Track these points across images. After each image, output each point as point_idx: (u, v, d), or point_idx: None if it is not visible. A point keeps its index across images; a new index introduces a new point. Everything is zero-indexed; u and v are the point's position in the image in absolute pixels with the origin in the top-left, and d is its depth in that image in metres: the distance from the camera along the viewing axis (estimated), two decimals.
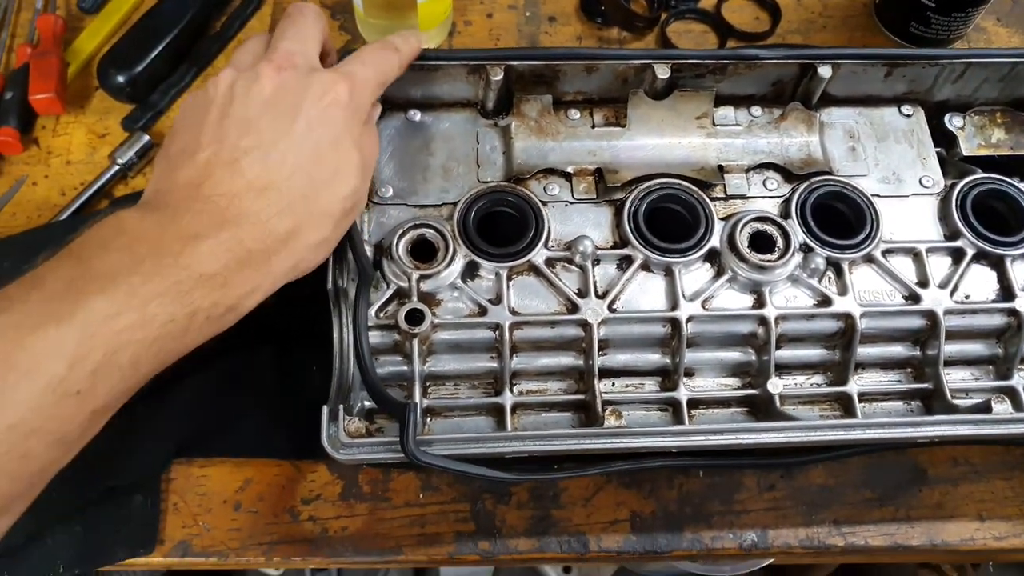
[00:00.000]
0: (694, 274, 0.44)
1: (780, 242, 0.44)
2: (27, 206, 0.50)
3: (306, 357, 0.46)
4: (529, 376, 0.43)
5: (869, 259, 0.45)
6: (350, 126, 0.37)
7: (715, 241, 0.44)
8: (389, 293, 0.42)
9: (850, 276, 0.44)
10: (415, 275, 0.41)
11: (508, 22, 0.58)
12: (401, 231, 0.43)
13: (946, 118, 0.49)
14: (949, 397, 0.42)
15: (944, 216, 0.47)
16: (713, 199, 0.46)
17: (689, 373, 0.44)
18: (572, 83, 0.47)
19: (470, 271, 0.43)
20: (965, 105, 0.50)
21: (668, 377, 0.44)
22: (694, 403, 0.43)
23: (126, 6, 0.55)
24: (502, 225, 0.45)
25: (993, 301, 0.44)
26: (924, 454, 0.45)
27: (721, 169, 0.47)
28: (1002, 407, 0.40)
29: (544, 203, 0.45)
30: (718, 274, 0.44)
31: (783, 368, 0.44)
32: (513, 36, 0.57)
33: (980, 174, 0.47)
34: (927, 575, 0.93)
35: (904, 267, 0.45)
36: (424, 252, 0.43)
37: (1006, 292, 0.45)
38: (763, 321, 0.43)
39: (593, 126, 0.48)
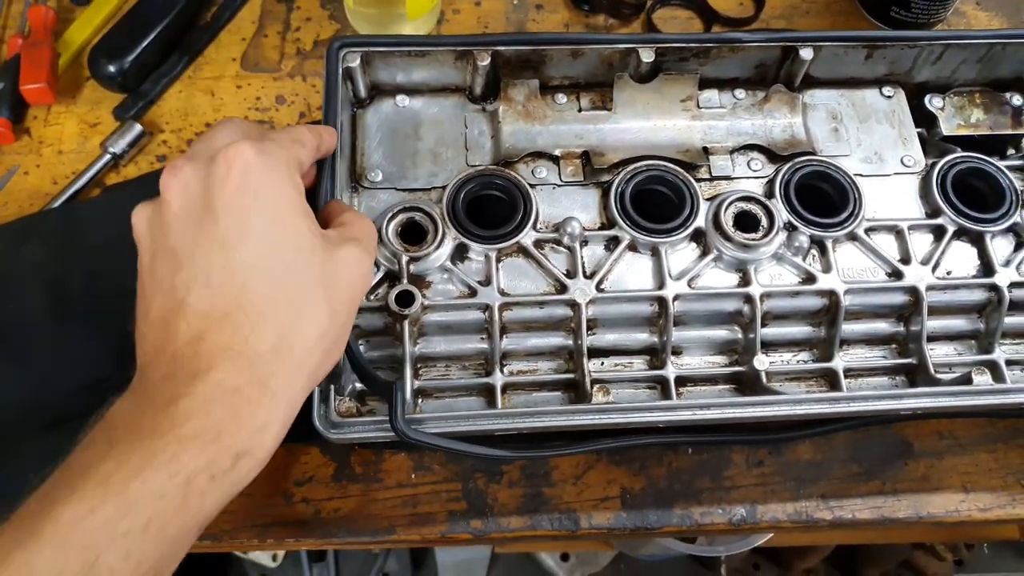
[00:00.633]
0: (680, 254, 0.45)
1: (764, 221, 0.45)
2: (19, 195, 0.50)
3: None
4: (519, 356, 0.44)
5: (852, 237, 0.46)
6: (276, 181, 0.32)
7: (700, 221, 0.45)
8: (379, 276, 0.42)
9: (834, 254, 0.45)
10: (405, 257, 0.42)
11: (496, 10, 0.58)
12: (391, 214, 0.43)
13: (927, 99, 0.50)
14: (932, 371, 0.43)
15: (925, 194, 0.47)
16: (698, 180, 0.46)
17: (677, 351, 0.45)
18: (558, 68, 0.48)
19: (459, 253, 0.44)
20: (945, 86, 0.51)
21: (656, 356, 0.44)
22: (682, 381, 0.44)
23: None
24: (491, 208, 0.45)
25: (974, 277, 0.45)
26: (909, 428, 0.46)
27: (706, 151, 0.48)
28: (982, 379, 0.41)
29: (532, 186, 0.45)
30: (704, 253, 0.45)
31: (770, 345, 0.45)
32: (501, 23, 0.57)
33: (960, 153, 0.48)
34: (921, 556, 0.94)
35: (887, 244, 0.46)
36: (414, 235, 0.43)
37: (986, 268, 0.45)
38: (748, 299, 0.43)
39: (580, 110, 0.48)
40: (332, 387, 0.38)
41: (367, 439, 0.38)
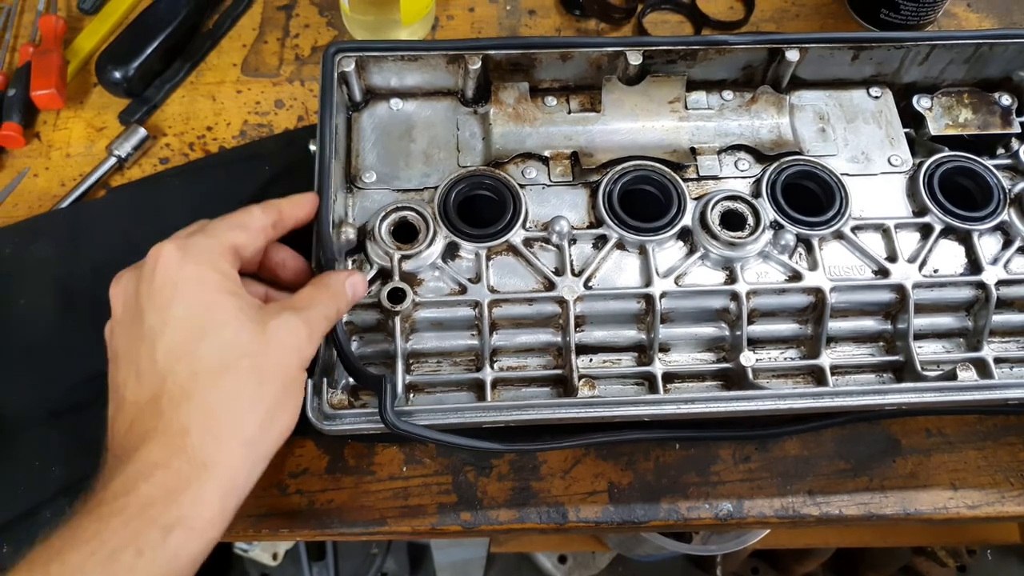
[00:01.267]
0: (667, 252, 0.46)
1: (751, 220, 0.45)
2: (28, 197, 0.52)
3: None
4: (509, 353, 0.45)
5: (839, 235, 0.46)
6: (197, 268, 0.33)
7: (687, 220, 0.45)
8: (372, 273, 0.44)
9: (820, 252, 0.45)
10: (397, 255, 0.43)
11: (489, 16, 0.59)
12: (383, 213, 0.44)
13: (914, 99, 0.51)
14: (919, 368, 0.43)
15: (912, 193, 0.48)
16: (686, 180, 0.47)
17: (665, 348, 0.45)
18: (548, 71, 0.49)
19: (451, 251, 0.45)
20: (933, 87, 0.51)
21: (644, 352, 0.45)
22: (669, 377, 0.45)
23: (124, 6, 0.58)
24: (481, 207, 0.47)
25: (961, 274, 0.45)
26: (898, 425, 0.46)
27: (693, 151, 0.48)
28: (967, 375, 0.41)
29: (522, 186, 0.46)
30: (691, 251, 0.45)
31: (757, 343, 0.45)
32: (494, 29, 0.59)
33: (947, 152, 0.48)
34: (922, 562, 0.93)
35: (873, 243, 0.46)
36: (406, 234, 0.44)
37: (974, 266, 0.46)
38: (735, 296, 0.44)
39: (569, 112, 0.49)
40: (325, 380, 0.39)
41: (359, 431, 0.39)
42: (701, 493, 0.44)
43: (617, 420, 0.40)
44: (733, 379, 0.45)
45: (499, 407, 0.40)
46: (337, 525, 0.43)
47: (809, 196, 0.47)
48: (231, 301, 0.33)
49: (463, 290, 0.43)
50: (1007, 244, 0.46)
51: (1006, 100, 0.51)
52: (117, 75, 0.53)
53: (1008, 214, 0.46)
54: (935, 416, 0.46)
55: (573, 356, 0.43)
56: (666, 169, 0.47)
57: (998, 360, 0.45)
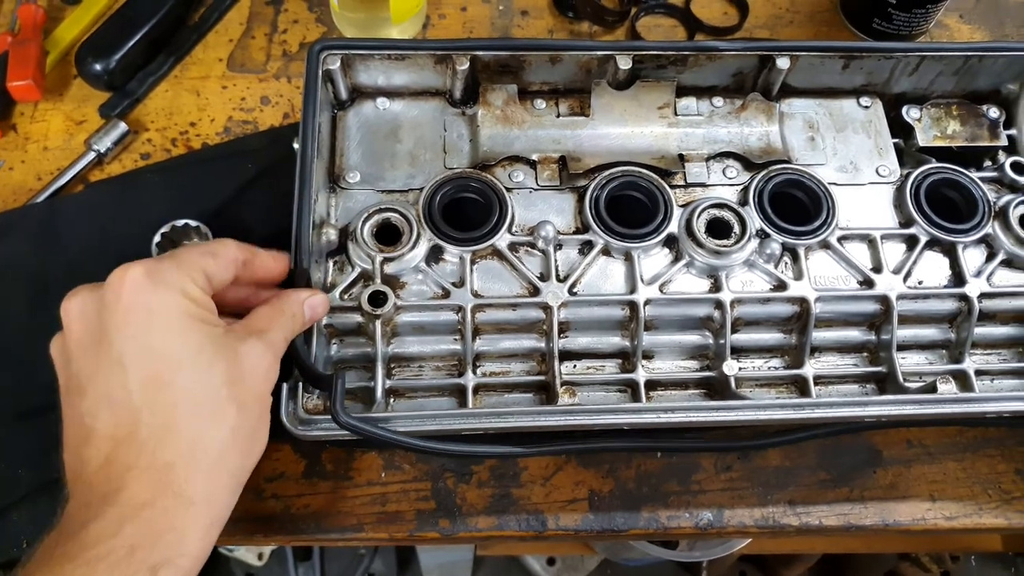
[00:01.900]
0: (653, 259, 0.45)
1: (737, 228, 0.45)
2: (3, 191, 0.50)
3: None
4: (492, 358, 0.44)
5: (825, 245, 0.46)
6: (167, 294, 0.32)
7: (673, 227, 0.45)
8: (354, 275, 0.43)
9: (806, 261, 0.45)
10: (379, 258, 0.42)
11: (482, 16, 0.59)
12: (366, 215, 0.44)
13: (904, 110, 0.51)
14: (901, 380, 0.43)
15: (899, 204, 0.48)
16: (673, 187, 0.47)
17: (649, 356, 0.45)
18: (537, 73, 0.49)
19: (434, 255, 0.44)
20: (922, 98, 0.51)
21: (627, 359, 0.45)
22: (652, 384, 0.44)
23: None
24: (467, 210, 0.46)
25: (945, 287, 0.45)
26: (879, 436, 0.46)
27: (682, 158, 0.48)
28: (947, 387, 0.41)
29: (509, 189, 0.46)
30: (676, 259, 0.45)
31: (741, 351, 0.45)
32: (486, 29, 0.58)
33: (935, 164, 0.48)
34: (907, 568, 0.94)
35: (859, 253, 0.46)
36: (389, 236, 0.44)
37: (958, 278, 0.46)
38: (719, 305, 0.44)
39: (558, 115, 0.49)
40: (300, 384, 0.39)
41: (333, 436, 0.38)
42: (682, 502, 0.44)
43: (597, 428, 0.40)
44: (716, 387, 0.44)
45: (478, 414, 0.40)
46: (313, 531, 0.42)
47: (796, 205, 0.47)
48: (204, 329, 0.33)
49: (446, 294, 0.43)
50: (990, 257, 0.46)
51: (994, 112, 0.51)
52: (98, 67, 0.52)
53: (992, 227, 0.46)
54: (916, 427, 0.46)
55: (556, 362, 0.43)
56: (654, 175, 0.47)
57: (979, 372, 0.45)
